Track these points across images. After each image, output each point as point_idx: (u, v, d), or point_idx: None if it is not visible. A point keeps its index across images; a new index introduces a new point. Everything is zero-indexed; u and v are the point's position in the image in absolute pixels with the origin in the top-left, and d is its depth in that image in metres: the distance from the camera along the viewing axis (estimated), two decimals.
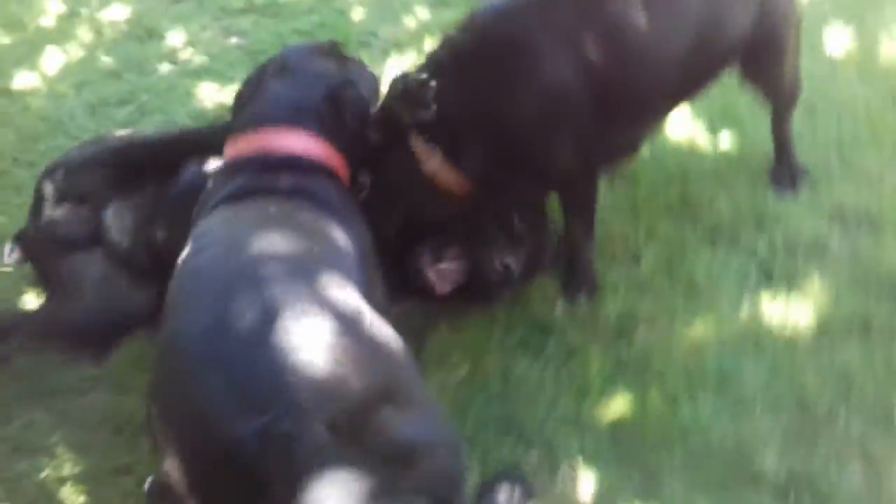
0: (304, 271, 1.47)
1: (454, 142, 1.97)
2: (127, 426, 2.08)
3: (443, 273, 2.12)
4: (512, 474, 1.90)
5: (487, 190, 2.04)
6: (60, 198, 2.11)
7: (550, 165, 2.06)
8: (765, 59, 2.28)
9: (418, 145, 1.98)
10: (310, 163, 1.81)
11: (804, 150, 2.56)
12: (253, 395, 1.25)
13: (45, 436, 2.09)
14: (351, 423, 1.26)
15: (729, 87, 2.41)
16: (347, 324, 1.39)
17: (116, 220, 2.10)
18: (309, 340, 1.32)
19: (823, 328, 2.13)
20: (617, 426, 1.99)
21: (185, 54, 3.62)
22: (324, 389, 1.27)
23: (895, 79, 2.79)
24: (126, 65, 3.55)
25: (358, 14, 3.77)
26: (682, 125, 2.73)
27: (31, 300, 2.36)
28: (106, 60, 3.60)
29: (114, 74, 3.50)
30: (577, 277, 2.27)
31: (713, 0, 2.06)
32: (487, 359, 2.17)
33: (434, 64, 2.00)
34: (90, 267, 2.10)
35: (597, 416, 2.02)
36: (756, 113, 2.57)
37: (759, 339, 2.14)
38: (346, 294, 1.47)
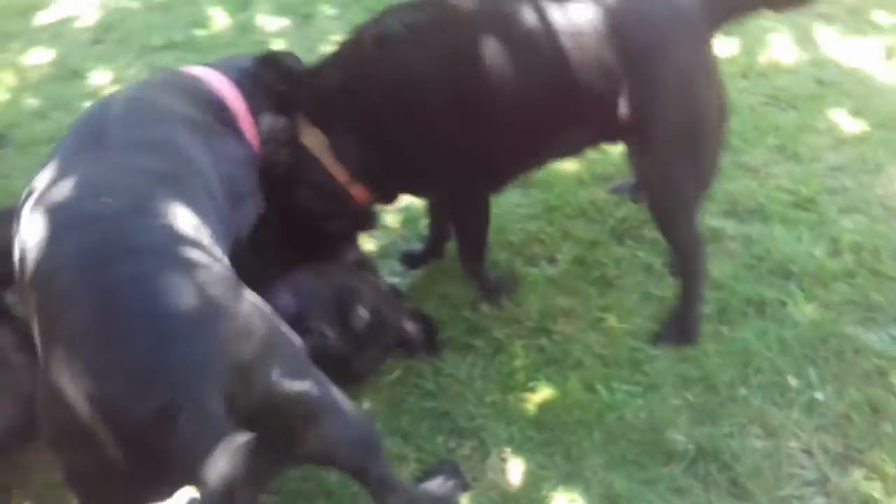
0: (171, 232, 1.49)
1: (334, 130, 2.13)
2: None
3: None
4: (446, 466, 2.02)
5: (378, 194, 2.23)
6: None
7: (423, 172, 2.21)
8: (642, 153, 2.11)
9: (306, 127, 2.13)
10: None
11: None
12: (140, 373, 1.28)
13: None
14: (242, 385, 1.33)
15: None
16: (217, 292, 1.41)
17: None
18: (184, 312, 1.34)
19: (723, 312, 2.32)
20: (541, 414, 2.14)
21: (111, 91, 3.69)
22: (212, 358, 1.32)
23: (773, 81, 3.05)
24: (52, 105, 3.60)
25: (277, 45, 3.90)
26: None
27: None
28: (32, 102, 3.65)
29: (40, 115, 3.55)
30: (484, 287, 2.43)
31: (569, 54, 1.98)
32: (419, 358, 2.30)
33: (334, 56, 2.18)
34: None
35: (522, 405, 2.16)
36: None
37: (664, 325, 2.31)
38: (214, 261, 1.49)
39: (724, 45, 3.23)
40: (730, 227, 2.54)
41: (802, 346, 2.19)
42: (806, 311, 2.27)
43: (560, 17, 1.99)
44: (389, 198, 2.37)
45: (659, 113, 2.01)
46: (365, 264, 2.42)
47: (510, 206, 2.70)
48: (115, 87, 3.66)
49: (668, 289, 2.41)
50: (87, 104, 3.50)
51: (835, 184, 2.64)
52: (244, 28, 4.15)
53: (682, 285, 2.27)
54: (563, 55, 1.98)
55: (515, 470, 2.03)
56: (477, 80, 2.03)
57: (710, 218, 2.56)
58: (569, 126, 2.11)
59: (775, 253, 2.44)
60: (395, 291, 2.42)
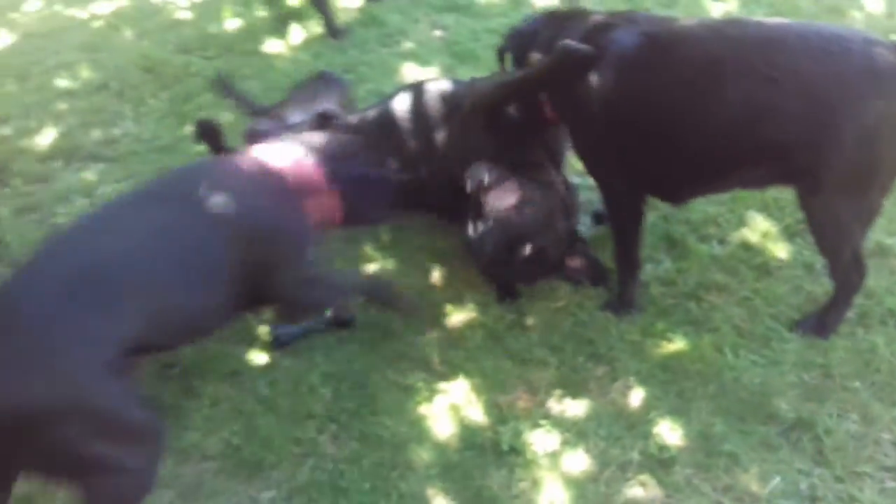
0: None
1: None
2: None
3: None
4: None
5: None
6: None
7: (593, 169, 2.67)
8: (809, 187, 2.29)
9: None
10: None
11: None
12: None
13: None
14: None
15: None
16: None
17: None
18: None
19: (863, 316, 2.54)
20: (669, 359, 2.54)
21: (399, 39, 4.46)
22: None
23: None
24: (352, 43, 4.44)
25: None
26: None
27: None
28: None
29: (341, 50, 4.40)
30: (620, 298, 2.72)
31: (755, 96, 2.21)
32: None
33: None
34: None
35: (655, 349, 2.57)
36: None
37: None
38: None
39: None
40: None
41: None
42: None
43: (756, 67, 2.21)
44: None
45: (837, 165, 2.19)
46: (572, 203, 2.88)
47: None
48: (402, 37, 4.44)
49: (820, 287, 2.65)
50: (379, 47, 4.36)
51: None
52: (518, 1, 4.70)
53: (835, 292, 2.50)
54: (752, 103, 2.21)
55: (635, 396, 2.46)
56: (664, 109, 2.35)
57: (883, 235, 2.74)
58: (743, 166, 2.35)
59: None
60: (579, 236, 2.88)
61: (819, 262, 2.73)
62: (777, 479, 2.19)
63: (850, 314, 2.54)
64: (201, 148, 3.68)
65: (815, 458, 2.22)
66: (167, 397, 2.64)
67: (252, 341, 2.79)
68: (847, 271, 2.42)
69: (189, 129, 3.80)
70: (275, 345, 2.76)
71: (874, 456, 2.20)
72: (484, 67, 4.03)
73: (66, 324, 1.89)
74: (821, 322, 2.53)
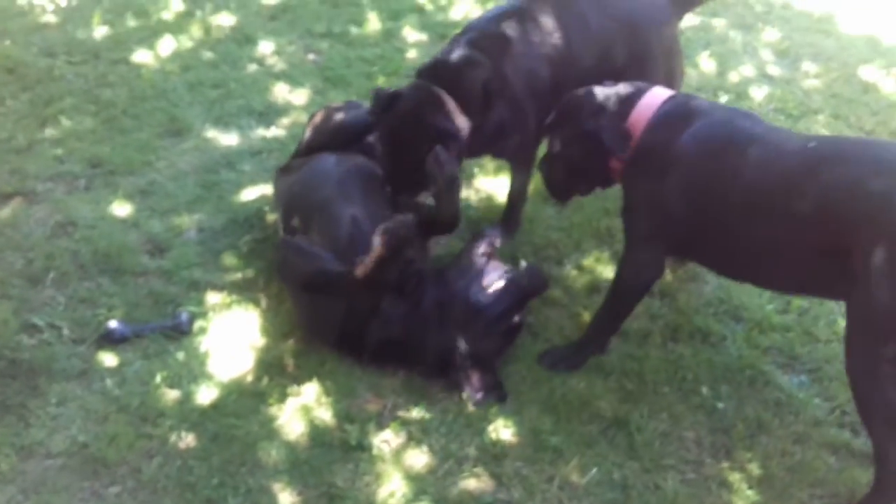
0: None
1: None
2: None
3: None
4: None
5: None
6: None
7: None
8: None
9: None
10: None
11: None
12: None
13: None
14: None
15: None
16: None
17: None
18: None
19: (674, 330, 2.87)
20: (506, 365, 2.77)
21: (271, 60, 4.57)
22: None
23: None
24: (224, 59, 4.51)
25: (412, 53, 4.67)
26: None
27: None
28: (208, 54, 4.57)
29: (212, 65, 4.46)
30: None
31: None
32: None
33: None
34: None
35: None
36: None
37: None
38: None
39: None
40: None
41: (726, 370, 2.73)
42: (741, 347, 2.80)
43: None
44: None
45: None
46: None
47: None
48: (275, 58, 4.56)
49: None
50: (251, 65, 4.46)
51: None
52: (390, 34, 4.92)
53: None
54: None
55: None
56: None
57: None
58: None
59: (735, 300, 2.97)
60: None
61: None
62: (594, 470, 2.44)
63: (663, 329, 2.87)
64: (58, 151, 3.69)
65: (627, 452, 2.50)
66: (10, 396, 2.61)
67: (100, 342, 2.80)
68: None
69: (49, 131, 3.76)
70: (106, 340, 2.80)
71: (678, 451, 2.50)
72: (354, 93, 4.22)
73: None
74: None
